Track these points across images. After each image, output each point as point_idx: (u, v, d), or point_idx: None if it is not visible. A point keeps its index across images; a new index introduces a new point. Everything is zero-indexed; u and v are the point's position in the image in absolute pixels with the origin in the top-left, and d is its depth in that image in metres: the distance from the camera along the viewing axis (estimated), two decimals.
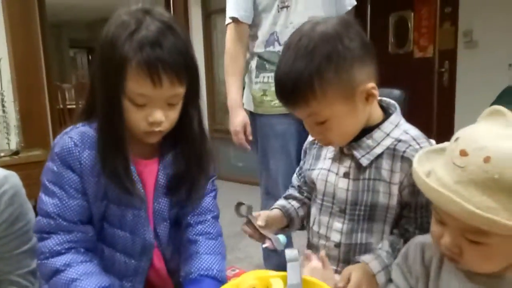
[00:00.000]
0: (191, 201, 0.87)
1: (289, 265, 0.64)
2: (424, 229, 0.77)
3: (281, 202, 0.95)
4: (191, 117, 0.82)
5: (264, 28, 1.58)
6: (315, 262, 0.75)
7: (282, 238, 0.80)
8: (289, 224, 0.93)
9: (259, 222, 0.82)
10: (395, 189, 0.78)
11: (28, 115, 2.94)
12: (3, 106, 2.85)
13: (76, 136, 0.80)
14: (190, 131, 0.82)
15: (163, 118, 0.76)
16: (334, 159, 0.85)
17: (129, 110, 0.75)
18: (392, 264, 0.73)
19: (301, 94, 0.73)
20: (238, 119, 1.60)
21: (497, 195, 0.53)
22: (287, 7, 1.53)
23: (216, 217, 0.93)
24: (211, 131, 4.21)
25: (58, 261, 0.77)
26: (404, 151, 0.77)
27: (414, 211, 0.78)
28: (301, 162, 0.96)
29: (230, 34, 1.62)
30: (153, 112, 0.75)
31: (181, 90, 0.76)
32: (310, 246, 0.92)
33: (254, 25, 1.61)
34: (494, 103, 2.00)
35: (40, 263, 0.80)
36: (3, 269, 0.92)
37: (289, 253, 0.65)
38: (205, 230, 0.89)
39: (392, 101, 0.84)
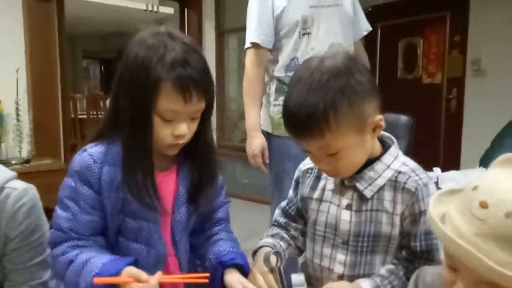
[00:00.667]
0: (206, 208, 0.93)
1: None
2: (424, 259, 0.79)
3: (270, 240, 0.93)
4: (206, 130, 0.88)
5: (285, 53, 1.61)
6: None
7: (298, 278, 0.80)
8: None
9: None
10: (397, 220, 0.80)
11: (41, 124, 3.00)
12: (17, 115, 2.91)
13: (96, 153, 0.85)
14: (205, 143, 0.88)
15: (187, 131, 0.82)
16: (335, 191, 0.86)
17: (158, 125, 0.80)
18: (384, 285, 0.76)
19: (316, 127, 0.74)
20: (257, 142, 1.62)
21: None
22: (308, 34, 1.57)
23: (229, 222, 1.01)
24: (219, 147, 4.25)
25: (71, 254, 0.82)
26: (405, 182, 0.80)
27: (414, 240, 0.80)
28: (291, 195, 0.96)
29: (250, 58, 1.65)
30: (179, 126, 0.81)
31: (203, 105, 0.83)
32: (310, 279, 0.91)
33: (275, 49, 1.64)
34: (500, 133, 2.02)
35: (54, 262, 0.84)
36: (16, 280, 0.94)
37: (295, 278, 0.67)
38: (223, 229, 0.99)
39: (388, 134, 0.87)
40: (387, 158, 0.82)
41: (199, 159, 0.89)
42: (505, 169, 0.57)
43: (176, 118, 0.80)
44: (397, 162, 0.82)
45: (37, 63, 2.97)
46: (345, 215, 0.84)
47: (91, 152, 0.85)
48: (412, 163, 0.84)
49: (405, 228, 0.80)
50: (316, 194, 0.89)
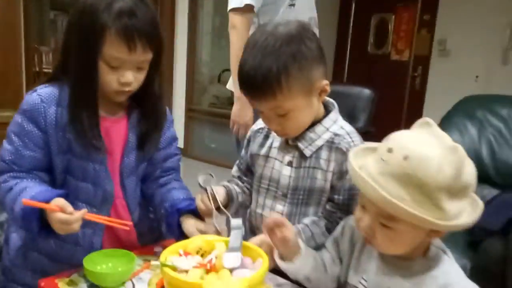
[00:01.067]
0: (153, 153, 1.00)
1: (233, 232, 0.74)
2: (345, 211, 0.88)
3: (225, 183, 1.01)
4: (153, 81, 0.92)
5: (271, 21, 1.62)
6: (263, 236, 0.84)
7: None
8: (228, 204, 0.97)
9: (221, 198, 0.90)
10: (329, 176, 0.88)
11: (3, 75, 2.91)
12: None
13: (44, 94, 0.89)
14: (152, 93, 0.94)
15: (133, 80, 0.86)
16: (279, 149, 0.93)
17: (104, 71, 0.84)
18: (305, 232, 0.86)
19: (269, 88, 0.79)
20: (249, 115, 1.65)
21: (409, 188, 0.62)
22: (293, 5, 1.58)
23: (179, 173, 1.07)
24: (187, 110, 4.26)
25: (11, 183, 0.87)
26: (339, 143, 0.88)
27: (337, 194, 0.89)
28: (243, 152, 1.04)
29: (240, 20, 1.58)
30: (125, 73, 0.85)
31: (150, 56, 0.87)
32: (253, 228, 1.00)
33: (260, 14, 1.58)
34: (452, 109, 2.15)
35: None
36: None
37: (234, 222, 0.75)
38: (174, 178, 1.05)
39: (332, 100, 0.94)
40: (327, 121, 0.90)
41: (147, 108, 0.95)
42: (418, 129, 0.69)
43: (122, 66, 0.84)
44: (335, 125, 0.90)
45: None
46: (286, 171, 0.91)
47: (40, 93, 0.89)
48: (348, 127, 0.91)
49: (332, 183, 0.89)
50: (263, 151, 0.96)
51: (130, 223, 0.88)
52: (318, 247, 0.85)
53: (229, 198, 0.95)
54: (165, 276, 0.67)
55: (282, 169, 0.92)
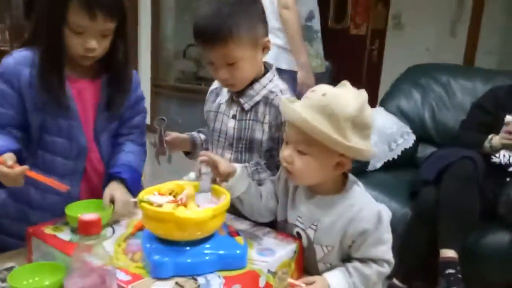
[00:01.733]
0: (120, 112, 1.09)
1: (203, 176, 0.87)
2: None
3: (191, 133, 1.18)
4: (118, 47, 1.03)
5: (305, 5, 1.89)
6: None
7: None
8: (192, 151, 1.15)
9: (168, 138, 1.07)
10: (266, 127, 1.02)
11: None
12: None
13: (19, 57, 0.98)
14: (116, 59, 1.04)
15: (96, 46, 0.96)
16: (226, 105, 1.08)
17: (69, 37, 0.94)
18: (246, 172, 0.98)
19: (223, 37, 0.91)
20: (313, 78, 1.87)
21: (323, 115, 0.79)
22: None
23: (143, 133, 1.17)
24: (153, 86, 4.28)
25: None
26: (273, 99, 1.02)
27: (277, 143, 1.03)
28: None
29: (291, 2, 1.83)
30: (88, 40, 0.95)
31: (111, 25, 0.96)
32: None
33: None
34: (399, 78, 2.35)
35: None
36: None
37: (203, 168, 0.88)
38: (132, 138, 1.13)
39: (271, 63, 1.09)
40: (264, 80, 1.03)
41: (113, 73, 1.05)
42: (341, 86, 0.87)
43: (85, 32, 0.94)
44: (271, 83, 1.04)
45: None
46: (231, 123, 1.06)
47: (15, 56, 0.98)
48: (282, 85, 1.05)
49: (272, 135, 1.04)
50: (214, 107, 1.11)
51: (67, 187, 0.94)
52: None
53: (194, 144, 1.11)
54: (143, 209, 0.79)
55: (228, 122, 1.06)
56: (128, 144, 1.11)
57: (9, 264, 0.87)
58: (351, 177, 0.91)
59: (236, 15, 0.92)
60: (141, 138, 1.16)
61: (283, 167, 0.88)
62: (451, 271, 1.47)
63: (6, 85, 0.97)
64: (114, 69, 1.05)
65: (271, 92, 1.03)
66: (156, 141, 1.01)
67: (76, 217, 0.86)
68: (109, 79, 1.06)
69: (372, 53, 4.07)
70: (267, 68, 1.06)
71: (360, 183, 0.91)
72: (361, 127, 0.82)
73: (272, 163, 1.06)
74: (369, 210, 0.85)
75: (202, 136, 1.17)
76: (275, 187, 0.98)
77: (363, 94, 0.83)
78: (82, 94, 1.03)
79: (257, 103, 1.03)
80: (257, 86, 1.03)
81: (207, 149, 1.14)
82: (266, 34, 1.01)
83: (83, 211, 0.91)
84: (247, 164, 1.01)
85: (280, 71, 1.86)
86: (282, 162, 0.88)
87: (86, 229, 0.58)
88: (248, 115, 1.04)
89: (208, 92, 1.16)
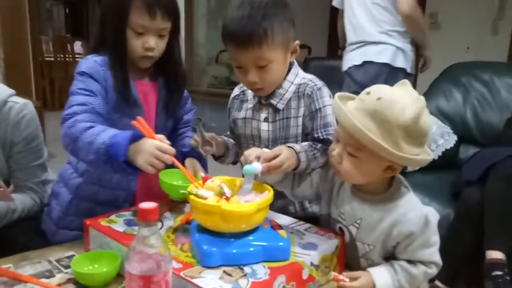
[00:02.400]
0: (177, 111, 1.18)
1: (245, 175, 0.89)
2: (324, 144, 0.99)
3: (223, 136, 1.16)
4: (173, 49, 1.10)
5: None
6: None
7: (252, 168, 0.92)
8: (225, 154, 1.12)
9: (208, 136, 1.06)
10: (300, 121, 1.03)
11: (12, 63, 3.03)
12: None
13: (100, 60, 1.05)
14: (173, 60, 1.11)
15: (155, 46, 1.03)
16: (254, 109, 1.08)
17: (131, 38, 1.02)
18: (308, 151, 0.96)
19: (257, 38, 0.92)
20: None
21: (376, 122, 0.77)
22: None
23: None
24: (188, 92, 4.37)
25: (90, 123, 0.95)
26: (304, 89, 1.03)
27: (315, 132, 1.01)
28: (228, 120, 1.18)
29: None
30: (148, 39, 1.02)
31: (168, 25, 1.04)
32: None
33: None
34: (439, 77, 2.29)
35: (71, 126, 0.95)
36: (21, 178, 1.17)
37: (246, 167, 0.89)
38: (189, 129, 1.21)
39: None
40: (290, 77, 1.04)
41: (169, 74, 1.12)
42: (396, 86, 0.84)
43: (146, 33, 1.02)
44: (298, 78, 1.05)
45: (5, 1, 2.95)
46: (264, 126, 1.06)
47: (96, 59, 1.05)
48: (309, 75, 1.06)
49: (306, 124, 1.05)
50: (241, 114, 1.11)
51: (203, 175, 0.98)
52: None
53: (226, 146, 1.12)
54: (191, 202, 0.82)
55: (261, 126, 1.07)
56: (189, 132, 1.20)
57: (70, 253, 0.94)
58: (399, 177, 0.89)
59: (270, 18, 0.94)
60: None
61: (332, 162, 0.88)
62: (498, 273, 1.42)
63: (95, 82, 1.02)
64: (170, 69, 1.11)
65: (300, 84, 1.04)
66: (199, 139, 1.04)
67: (170, 184, 0.94)
68: (165, 80, 1.12)
69: None
70: (290, 65, 1.07)
71: (407, 184, 0.90)
72: (416, 135, 0.79)
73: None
74: (415, 213, 0.84)
75: (232, 141, 1.17)
76: (321, 179, 0.98)
77: (421, 100, 0.79)
78: (147, 95, 1.10)
79: (289, 100, 1.04)
80: (285, 84, 1.04)
81: (237, 154, 1.16)
82: (295, 38, 1.02)
83: (176, 179, 0.99)
84: (306, 149, 0.98)
85: (395, 70, 2.05)
86: (330, 158, 0.88)
87: (145, 216, 0.62)
88: (281, 114, 1.05)
89: (230, 101, 1.17)
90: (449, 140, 2.07)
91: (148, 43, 1.02)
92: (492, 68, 2.19)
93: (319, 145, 0.99)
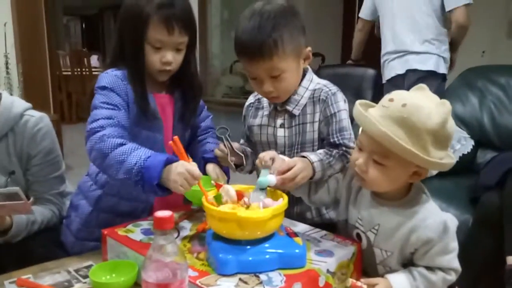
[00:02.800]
0: (193, 121, 1.19)
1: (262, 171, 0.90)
2: (341, 149, 1.00)
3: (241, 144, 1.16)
4: (190, 63, 1.11)
5: None
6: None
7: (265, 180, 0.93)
8: (244, 162, 1.10)
9: (236, 144, 1.08)
10: (316, 126, 1.04)
11: (30, 78, 3.12)
12: (7, 68, 3.03)
13: (120, 74, 1.05)
14: (189, 73, 1.12)
15: (172, 60, 1.04)
16: (270, 116, 1.09)
17: (149, 52, 1.03)
18: (324, 160, 0.97)
19: (268, 49, 0.93)
20: None
21: (403, 128, 0.76)
22: None
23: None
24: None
25: (120, 139, 0.95)
26: (319, 95, 1.03)
27: (331, 137, 1.01)
28: (243, 129, 1.18)
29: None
30: (166, 54, 1.03)
31: (185, 39, 1.05)
32: None
33: None
34: (454, 82, 2.27)
35: (100, 141, 0.94)
36: (38, 190, 1.19)
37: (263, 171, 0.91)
38: (210, 135, 1.23)
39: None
40: (304, 83, 1.05)
41: (186, 86, 1.13)
42: (414, 91, 0.84)
43: (163, 47, 1.03)
44: (312, 83, 1.06)
45: (24, 18, 3.05)
46: (280, 132, 1.07)
47: (116, 74, 1.05)
48: (323, 81, 1.07)
49: (322, 130, 1.05)
50: (257, 121, 1.11)
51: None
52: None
53: (245, 153, 1.11)
54: (206, 210, 0.83)
55: (277, 132, 1.08)
56: (210, 138, 1.21)
57: (88, 263, 0.95)
58: (418, 183, 0.89)
59: (279, 28, 0.94)
60: (214, 134, 1.20)
61: (356, 172, 0.87)
62: None
63: (117, 97, 1.03)
64: (186, 82, 1.13)
65: (314, 90, 1.05)
66: (226, 150, 1.04)
67: (193, 190, 0.90)
68: (182, 92, 1.14)
69: None
70: (303, 71, 1.07)
71: (426, 190, 0.89)
72: (443, 139, 0.79)
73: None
74: (434, 219, 0.83)
75: (249, 149, 1.17)
76: (338, 185, 0.98)
77: (446, 105, 0.79)
78: (164, 108, 1.12)
79: (304, 106, 1.05)
80: (300, 90, 1.05)
81: (254, 162, 1.14)
82: (307, 45, 1.02)
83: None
84: (322, 158, 0.98)
85: (437, 75, 2.16)
86: (353, 167, 0.87)
87: (161, 225, 0.63)
88: (296, 120, 1.05)
89: (245, 108, 1.18)
90: (466, 145, 2.04)
91: (165, 58, 1.03)
92: (508, 71, 2.16)
93: (334, 151, 1.00)
